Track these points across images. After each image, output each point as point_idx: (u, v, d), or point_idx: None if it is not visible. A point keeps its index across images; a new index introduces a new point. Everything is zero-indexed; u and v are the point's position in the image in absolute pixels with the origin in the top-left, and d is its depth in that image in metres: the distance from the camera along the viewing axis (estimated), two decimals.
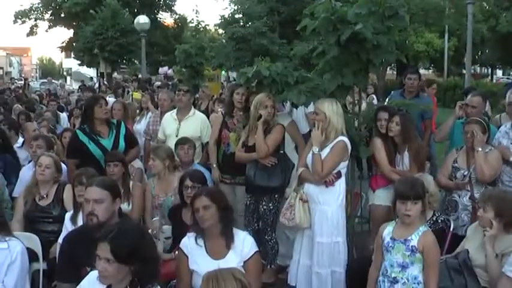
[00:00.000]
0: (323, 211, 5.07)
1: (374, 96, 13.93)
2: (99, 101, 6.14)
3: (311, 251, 5.14)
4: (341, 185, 5.17)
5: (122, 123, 6.39)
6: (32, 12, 43.96)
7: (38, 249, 4.79)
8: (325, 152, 5.08)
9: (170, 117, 7.07)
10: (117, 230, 3.11)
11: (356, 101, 6.09)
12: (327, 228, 5.05)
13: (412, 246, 4.00)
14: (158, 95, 9.56)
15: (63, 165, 5.93)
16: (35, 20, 44.41)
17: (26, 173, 6.15)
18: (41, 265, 4.77)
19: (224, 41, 21.60)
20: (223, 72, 24.31)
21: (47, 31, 44.89)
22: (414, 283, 4.01)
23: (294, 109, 6.81)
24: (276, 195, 5.63)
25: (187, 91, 7.16)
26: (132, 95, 13.52)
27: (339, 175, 5.13)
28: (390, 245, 4.09)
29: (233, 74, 26.17)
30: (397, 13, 5.32)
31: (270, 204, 5.61)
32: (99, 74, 32.50)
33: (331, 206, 5.08)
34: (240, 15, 26.54)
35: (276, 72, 5.74)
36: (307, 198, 5.12)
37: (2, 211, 4.37)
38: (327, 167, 5.03)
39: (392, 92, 8.51)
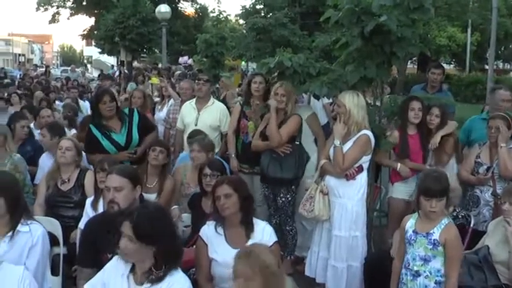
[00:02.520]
0: (342, 204, 5.05)
1: (389, 89, 13.80)
2: (102, 97, 5.95)
3: (329, 243, 5.13)
4: (362, 179, 5.13)
5: (135, 111, 6.27)
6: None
7: (59, 233, 4.83)
8: (347, 145, 5.05)
9: (189, 106, 7.07)
10: (140, 210, 3.23)
11: (378, 94, 6.05)
12: (346, 221, 5.03)
13: (434, 239, 3.98)
14: (179, 84, 9.59)
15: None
16: (57, 8, 44.63)
17: (46, 160, 6.22)
18: (61, 249, 4.80)
19: (245, 31, 21.57)
20: (243, 62, 24.30)
21: (68, 19, 45.10)
22: (437, 276, 3.99)
23: (314, 100, 6.81)
24: (293, 186, 5.63)
25: (206, 81, 7.16)
26: (149, 80, 13.52)
27: (360, 169, 5.09)
28: (412, 238, 4.06)
29: (253, 65, 26.16)
30: (422, 5, 5.26)
31: (288, 196, 5.61)
32: (119, 63, 32.63)
33: (351, 200, 5.05)
34: (261, 6, 26.50)
35: (298, 63, 5.72)
36: (327, 190, 5.11)
37: (24, 195, 4.39)
38: (349, 161, 5.00)
39: (414, 86, 8.40)
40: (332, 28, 6.20)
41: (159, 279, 3.14)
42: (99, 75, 27.83)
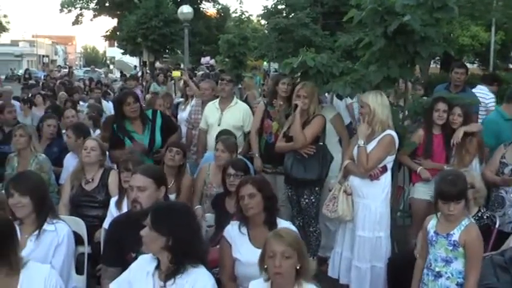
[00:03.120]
0: (366, 205, 5.02)
1: (422, 91, 13.69)
2: (126, 99, 6.01)
3: (352, 244, 5.12)
4: (386, 179, 5.10)
5: (158, 113, 6.31)
6: (78, 1, 44.67)
7: (83, 233, 4.86)
8: (371, 145, 5.02)
9: (212, 106, 7.07)
10: (162, 203, 3.37)
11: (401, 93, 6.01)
12: (369, 222, 5.01)
13: (454, 241, 3.94)
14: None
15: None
16: (80, 9, 45.13)
17: (70, 160, 6.29)
18: (86, 248, 4.84)
19: (266, 31, 21.56)
20: (265, 63, 24.29)
21: (91, 20, 45.59)
22: (459, 278, 3.96)
23: (337, 100, 6.79)
24: (317, 188, 5.61)
25: (230, 81, 7.15)
26: (173, 78, 13.60)
27: (384, 169, 5.06)
28: (434, 239, 4.04)
29: (275, 65, 26.13)
30: (446, 5, 5.22)
31: (312, 197, 5.59)
32: (141, 63, 32.85)
33: (375, 200, 5.03)
34: (283, 6, 26.44)
35: (321, 63, 5.69)
36: (351, 190, 5.09)
37: (50, 195, 4.44)
38: (373, 161, 4.98)
39: (437, 86, 8.34)
40: (354, 28, 6.17)
41: (175, 272, 3.15)
42: (121, 76, 28.04)
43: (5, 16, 56.58)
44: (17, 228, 3.43)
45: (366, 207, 5.02)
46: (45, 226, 3.77)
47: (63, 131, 7.19)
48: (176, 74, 12.56)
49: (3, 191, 5.05)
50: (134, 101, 6.00)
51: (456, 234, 3.94)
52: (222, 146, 5.63)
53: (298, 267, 3.16)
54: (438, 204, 3.99)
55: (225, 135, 6.09)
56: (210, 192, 5.62)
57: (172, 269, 3.16)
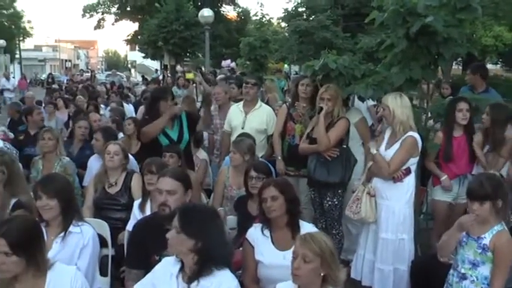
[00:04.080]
0: (389, 207, 5.00)
1: (450, 90, 13.57)
2: (166, 95, 6.19)
3: (375, 246, 5.10)
4: (410, 181, 5.07)
5: (183, 114, 6.39)
6: (100, 6, 45.08)
7: (107, 235, 4.91)
8: (395, 148, 5.00)
9: (236, 109, 7.09)
10: (190, 205, 3.36)
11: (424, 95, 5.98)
12: (392, 224, 4.99)
13: (483, 244, 3.89)
14: None
15: (130, 156, 6.08)
16: (102, 14, 45.53)
17: (94, 163, 6.35)
18: (110, 251, 4.88)
19: (287, 34, 21.54)
20: (285, 65, 24.28)
21: (113, 24, 45.97)
22: (483, 283, 3.90)
23: (358, 102, 6.77)
24: (340, 190, 5.59)
25: (254, 84, 7.15)
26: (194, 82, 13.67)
27: (408, 171, 5.03)
28: (464, 240, 3.99)
29: (295, 68, 26.10)
30: (469, 5, 5.18)
31: (335, 200, 5.57)
32: (163, 67, 33.00)
33: (398, 202, 5.01)
34: (304, 9, 26.42)
35: (343, 65, 5.69)
36: (374, 192, 5.07)
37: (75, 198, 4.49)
38: (395, 164, 4.96)
39: (462, 87, 8.26)
40: (376, 30, 6.15)
41: (200, 274, 3.14)
42: (142, 80, 28.21)
43: (28, 22, 57.34)
44: (44, 230, 3.48)
45: (389, 209, 5.00)
46: (71, 228, 3.81)
47: None
48: (190, 76, 12.61)
49: (31, 193, 5.17)
50: (172, 98, 6.21)
51: (487, 238, 3.89)
52: (233, 147, 5.73)
53: (322, 274, 3.14)
54: (468, 203, 3.98)
55: (241, 138, 6.11)
56: (231, 195, 5.66)
57: (197, 271, 3.16)
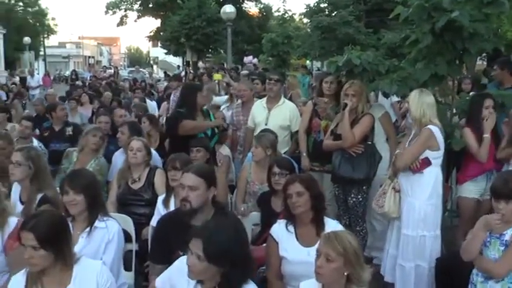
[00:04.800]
0: (411, 203, 4.95)
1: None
2: (202, 88, 6.38)
3: (398, 242, 5.06)
4: (431, 176, 4.96)
5: (209, 111, 6.55)
6: (122, 3, 45.48)
7: (131, 230, 4.94)
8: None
9: (260, 105, 7.09)
10: (213, 228, 3.09)
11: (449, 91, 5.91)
12: (413, 220, 4.93)
13: (505, 240, 3.83)
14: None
15: (153, 151, 6.12)
16: (125, 11, 45.94)
17: (118, 158, 6.39)
18: (134, 246, 4.92)
19: (309, 30, 21.45)
20: (307, 61, 24.20)
21: (135, 21, 46.37)
22: (510, 282, 3.84)
23: (382, 99, 6.73)
24: (364, 187, 5.57)
25: (277, 80, 7.15)
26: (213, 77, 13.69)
27: (426, 162, 4.92)
28: (488, 239, 3.93)
29: (317, 64, 26.00)
30: None
31: (359, 196, 5.55)
32: (185, 63, 33.14)
33: (419, 199, 4.93)
34: (326, 4, 26.25)
35: (367, 61, 5.63)
36: (399, 188, 5.04)
37: (101, 193, 4.54)
38: (406, 155, 4.93)
39: (488, 83, 8.16)
40: (399, 25, 6.09)
41: None
42: (164, 76, 28.38)
43: (53, 19, 58.15)
44: (70, 224, 3.52)
45: (410, 205, 4.95)
46: (97, 223, 3.85)
47: None
48: (217, 76, 12.63)
49: (57, 188, 5.23)
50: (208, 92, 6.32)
51: (508, 234, 3.84)
52: (256, 142, 5.74)
53: (346, 274, 3.12)
54: (492, 202, 3.91)
55: (263, 133, 6.12)
56: (253, 190, 5.67)
57: None
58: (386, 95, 6.13)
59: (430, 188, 4.96)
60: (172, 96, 11.46)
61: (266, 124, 6.73)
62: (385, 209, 5.05)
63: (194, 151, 5.66)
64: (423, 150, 4.93)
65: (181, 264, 3.30)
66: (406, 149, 4.96)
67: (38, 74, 32.91)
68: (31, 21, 51.99)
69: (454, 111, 5.84)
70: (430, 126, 4.92)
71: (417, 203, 4.94)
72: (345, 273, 3.11)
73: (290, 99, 9.24)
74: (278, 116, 6.85)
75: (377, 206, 5.17)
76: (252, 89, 7.83)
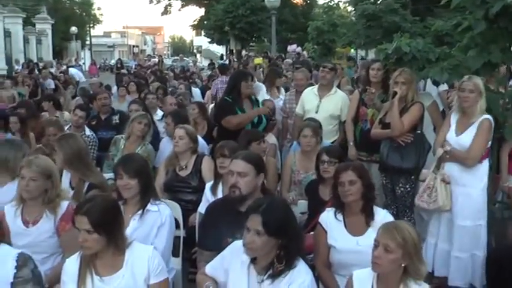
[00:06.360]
0: (467, 193, 4.87)
1: None
2: (247, 76, 6.33)
3: (450, 234, 4.98)
4: (485, 166, 4.94)
5: (259, 100, 6.52)
6: None
7: (179, 216, 4.95)
8: (471, 132, 4.89)
9: (311, 92, 7.04)
10: (268, 203, 3.17)
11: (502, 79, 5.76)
12: (470, 211, 4.86)
13: None
14: (292, 73, 9.61)
15: (200, 138, 6.14)
16: (169, 0, 46.21)
17: (166, 145, 6.48)
18: (182, 232, 4.94)
19: (354, 18, 21.22)
20: (352, 50, 23.94)
21: (179, 10, 46.71)
22: None
23: (430, 88, 6.61)
24: (413, 177, 5.47)
25: (331, 69, 7.12)
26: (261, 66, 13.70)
27: (488, 152, 4.90)
28: None
29: (362, 53, 25.71)
30: None
31: (407, 186, 5.46)
32: (228, 52, 33.24)
33: (476, 188, 4.88)
34: None
35: (417, 49, 5.55)
36: (449, 179, 4.94)
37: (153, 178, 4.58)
38: (476, 149, 4.84)
39: None
40: (447, 13, 5.96)
41: (280, 272, 3.11)
42: (209, 64, 28.52)
43: (98, 9, 59.18)
44: (121, 208, 3.57)
45: (466, 196, 4.88)
46: (149, 206, 3.91)
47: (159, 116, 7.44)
48: (258, 61, 12.63)
49: (104, 175, 5.31)
50: (252, 78, 6.36)
51: None
52: (307, 128, 5.66)
53: (403, 265, 3.08)
54: None
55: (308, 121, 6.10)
56: (298, 179, 5.64)
57: (277, 268, 3.12)
58: (436, 83, 6.01)
59: (484, 178, 4.93)
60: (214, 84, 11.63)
61: (316, 112, 6.70)
62: (440, 203, 4.93)
63: (254, 145, 5.50)
64: (488, 141, 4.89)
65: (233, 248, 3.35)
66: (473, 142, 4.86)
67: (84, 63, 33.42)
68: (77, 11, 52.94)
69: (507, 100, 5.69)
70: (488, 116, 4.87)
71: (474, 193, 4.89)
72: (402, 265, 3.07)
73: (339, 86, 9.18)
74: (329, 104, 6.79)
75: (424, 202, 5.04)
76: (307, 78, 7.79)
